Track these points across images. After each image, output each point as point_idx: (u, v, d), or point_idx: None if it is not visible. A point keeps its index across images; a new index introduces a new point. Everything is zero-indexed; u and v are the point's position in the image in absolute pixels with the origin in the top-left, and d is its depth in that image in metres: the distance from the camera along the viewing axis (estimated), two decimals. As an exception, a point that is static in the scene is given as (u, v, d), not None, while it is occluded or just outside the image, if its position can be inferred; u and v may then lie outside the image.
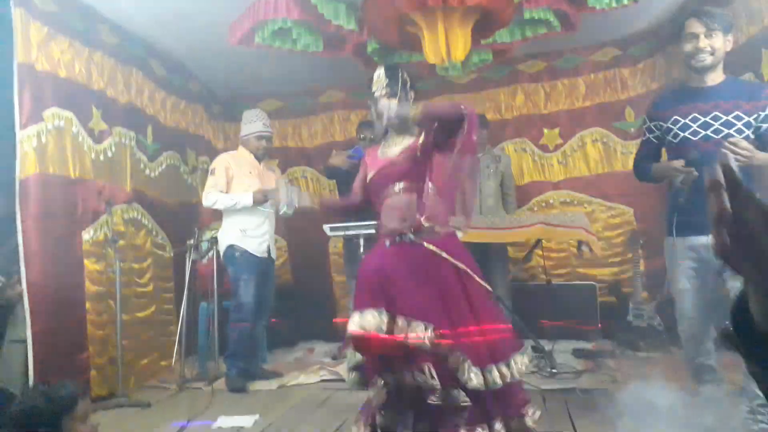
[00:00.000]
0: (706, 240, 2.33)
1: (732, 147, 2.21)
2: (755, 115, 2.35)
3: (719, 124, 2.38)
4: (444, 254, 2.27)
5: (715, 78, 2.43)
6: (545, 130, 5.14)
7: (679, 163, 2.39)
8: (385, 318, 2.11)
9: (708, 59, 2.38)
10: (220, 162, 4.00)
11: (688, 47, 2.41)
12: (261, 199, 3.84)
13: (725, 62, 2.46)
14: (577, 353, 4.14)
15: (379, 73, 2.43)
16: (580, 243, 3.94)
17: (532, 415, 2.26)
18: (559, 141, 5.13)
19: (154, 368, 4.18)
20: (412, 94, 2.49)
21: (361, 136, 4.46)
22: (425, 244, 2.28)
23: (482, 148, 4.64)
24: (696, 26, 2.39)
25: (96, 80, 3.74)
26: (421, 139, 2.39)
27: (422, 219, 2.35)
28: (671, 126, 2.49)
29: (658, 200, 4.72)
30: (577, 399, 3.15)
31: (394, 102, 2.38)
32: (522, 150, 5.03)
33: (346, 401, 3.29)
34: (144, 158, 4.28)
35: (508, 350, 2.23)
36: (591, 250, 3.95)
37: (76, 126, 3.52)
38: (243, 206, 3.85)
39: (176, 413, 3.23)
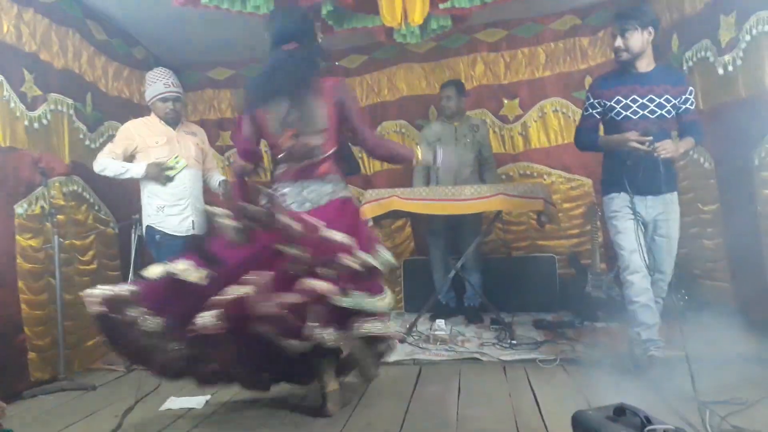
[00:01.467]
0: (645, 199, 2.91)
1: (661, 149, 2.69)
2: (678, 98, 2.86)
3: (654, 106, 2.85)
4: None
5: (647, 66, 2.87)
6: (505, 101, 5.06)
7: (634, 135, 2.75)
8: None
9: (623, 56, 2.84)
10: (124, 129, 3.71)
11: (613, 45, 2.89)
12: (155, 172, 3.54)
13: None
14: (537, 324, 4.13)
15: None
16: (539, 214, 3.89)
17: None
18: (519, 112, 5.05)
19: (101, 350, 3.97)
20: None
21: None
22: None
23: (460, 116, 4.55)
24: (614, 28, 2.88)
25: (27, 41, 3.44)
26: None
27: None
28: (614, 105, 2.90)
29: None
30: (537, 369, 3.12)
31: None
32: (482, 121, 4.93)
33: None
34: (83, 128, 4.00)
35: None
36: (551, 221, 3.91)
37: (7, 91, 3.23)
38: (132, 176, 3.58)
39: (123, 395, 3.06)
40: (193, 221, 3.64)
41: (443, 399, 2.74)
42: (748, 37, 3.05)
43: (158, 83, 3.68)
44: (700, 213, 3.78)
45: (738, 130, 3.26)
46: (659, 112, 2.84)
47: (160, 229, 3.60)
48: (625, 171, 2.82)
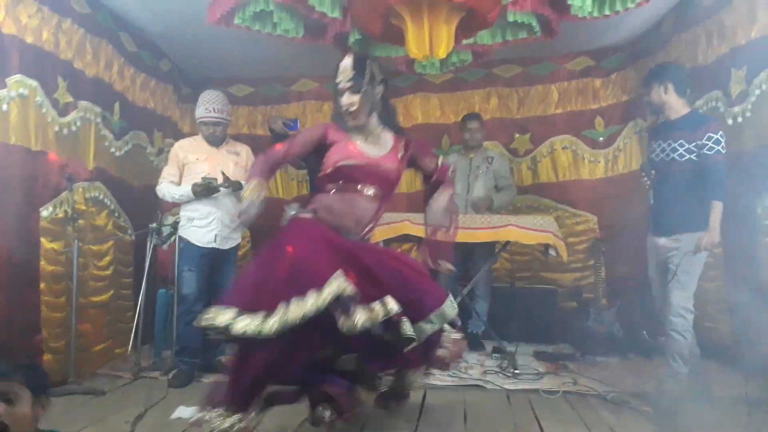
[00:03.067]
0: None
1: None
2: (694, 143, 3.01)
3: (669, 150, 3.12)
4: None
5: (675, 115, 3.15)
6: (516, 135, 5.20)
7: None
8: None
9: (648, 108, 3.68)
10: (173, 150, 3.84)
11: None
12: (200, 191, 3.63)
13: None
14: (538, 355, 4.20)
15: (346, 64, 2.27)
16: (547, 247, 4.00)
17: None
18: (530, 146, 5.20)
19: (108, 355, 4.02)
20: (380, 90, 2.36)
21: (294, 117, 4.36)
22: None
23: (477, 148, 4.65)
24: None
25: (64, 50, 3.55)
26: (401, 150, 2.41)
27: (428, 258, 2.56)
28: (650, 151, 3.32)
29: (622, 210, 4.85)
30: (541, 399, 3.19)
31: (356, 98, 2.25)
32: (498, 154, 5.04)
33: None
34: (110, 136, 4.11)
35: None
36: (558, 254, 4.01)
37: (41, 96, 3.33)
38: (188, 199, 3.69)
39: (131, 402, 3.11)
40: (216, 235, 3.73)
41: (450, 424, 2.80)
42: (758, 92, 3.19)
43: (201, 107, 3.79)
44: (703, 256, 3.88)
45: (742, 179, 3.38)
46: (672, 156, 3.07)
47: (185, 237, 3.70)
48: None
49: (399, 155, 2.37)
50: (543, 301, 4.82)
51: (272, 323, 1.99)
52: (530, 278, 5.13)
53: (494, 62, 5.11)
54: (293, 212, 2.39)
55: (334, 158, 2.32)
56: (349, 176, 2.32)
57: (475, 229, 3.91)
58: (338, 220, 2.31)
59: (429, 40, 3.42)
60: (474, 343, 4.52)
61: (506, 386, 3.45)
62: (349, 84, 2.24)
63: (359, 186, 2.32)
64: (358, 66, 2.26)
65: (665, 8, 4.09)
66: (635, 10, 3.66)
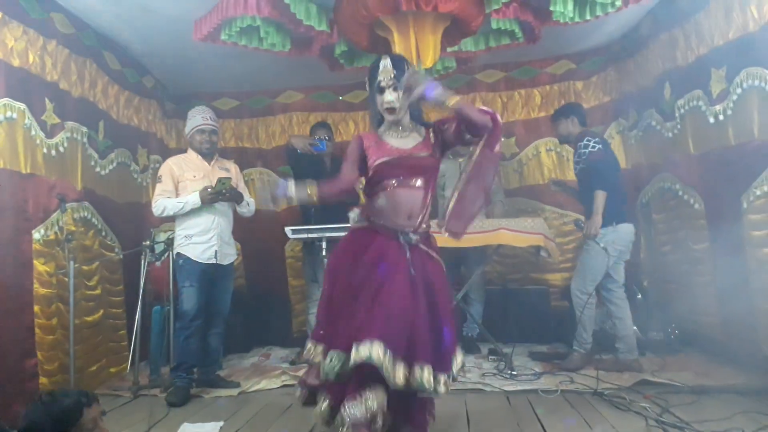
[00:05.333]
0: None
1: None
2: (579, 152, 3.85)
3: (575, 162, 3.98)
4: (435, 255, 2.35)
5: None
6: (502, 139, 5.23)
7: None
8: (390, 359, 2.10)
9: (557, 137, 4.26)
10: (165, 166, 3.81)
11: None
12: (208, 196, 3.62)
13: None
14: (534, 356, 4.25)
15: (386, 63, 2.37)
16: (539, 248, 4.05)
17: None
18: (516, 149, 5.27)
19: (104, 375, 3.99)
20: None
21: (317, 137, 4.40)
22: (421, 246, 2.36)
23: (465, 153, 4.67)
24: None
25: (50, 71, 3.54)
26: (432, 138, 2.43)
27: (439, 225, 2.52)
28: None
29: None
30: (540, 399, 3.24)
31: (398, 94, 2.34)
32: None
33: (310, 407, 3.24)
34: (95, 155, 4.08)
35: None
36: (550, 255, 4.07)
37: (29, 119, 3.31)
38: (192, 207, 3.65)
39: (133, 421, 3.09)
40: (216, 251, 3.71)
41: (455, 427, 2.83)
42: (739, 90, 3.28)
43: (197, 117, 3.81)
44: (690, 252, 3.98)
45: (727, 175, 3.48)
46: (577, 168, 4.00)
47: (184, 254, 3.68)
48: None
49: (431, 142, 2.43)
50: (535, 301, 4.89)
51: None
52: (521, 279, 5.18)
53: (477, 68, 5.18)
54: (353, 218, 2.52)
55: (371, 160, 2.40)
56: (389, 173, 2.38)
57: (467, 234, 3.93)
58: (390, 219, 2.36)
59: (415, 51, 3.47)
60: (470, 346, 4.57)
61: (505, 388, 3.50)
62: (391, 82, 2.33)
63: (400, 180, 2.37)
64: (398, 65, 2.36)
65: (643, 11, 4.18)
66: (614, 14, 3.75)
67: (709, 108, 3.59)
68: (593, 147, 3.73)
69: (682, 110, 3.90)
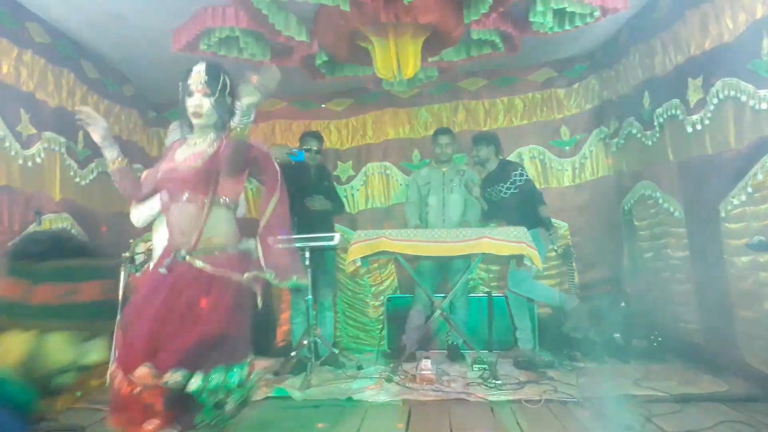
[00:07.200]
0: None
1: None
2: (512, 180, 4.36)
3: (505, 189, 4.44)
4: (208, 267, 2.18)
5: (491, 166, 4.57)
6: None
7: None
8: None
9: (475, 161, 4.66)
10: (143, 176, 3.77)
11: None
12: None
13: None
14: (518, 364, 4.25)
15: (200, 69, 2.29)
16: (521, 257, 4.05)
17: None
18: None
19: (83, 388, 3.92)
20: (230, 100, 2.31)
21: (304, 147, 4.37)
22: (197, 262, 2.19)
23: (449, 161, 4.70)
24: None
25: (25, 81, 3.50)
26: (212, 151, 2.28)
27: (267, 269, 2.29)
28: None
29: (591, 216, 4.97)
30: (524, 410, 3.23)
31: (208, 101, 2.25)
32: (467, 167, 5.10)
33: (295, 419, 3.21)
34: (74, 165, 4.04)
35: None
36: (533, 263, 4.07)
37: (3, 130, 3.27)
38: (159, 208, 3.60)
39: (112, 437, 3.04)
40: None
41: (438, 440, 2.82)
42: (715, 100, 3.31)
43: (178, 130, 3.73)
44: (671, 259, 4.01)
45: (705, 184, 3.52)
46: (501, 194, 4.46)
47: None
48: None
49: (210, 153, 2.28)
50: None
51: None
52: (505, 287, 5.17)
53: (459, 76, 5.20)
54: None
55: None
56: (161, 187, 2.35)
57: (450, 243, 3.94)
58: (171, 238, 2.30)
59: (396, 61, 3.47)
60: (455, 354, 4.56)
61: (489, 398, 3.48)
62: (201, 87, 2.26)
63: (172, 195, 2.30)
64: (212, 73, 2.29)
65: (622, 20, 4.21)
66: (593, 24, 3.77)
67: (686, 117, 3.62)
68: (527, 176, 4.45)
69: (661, 119, 3.94)
